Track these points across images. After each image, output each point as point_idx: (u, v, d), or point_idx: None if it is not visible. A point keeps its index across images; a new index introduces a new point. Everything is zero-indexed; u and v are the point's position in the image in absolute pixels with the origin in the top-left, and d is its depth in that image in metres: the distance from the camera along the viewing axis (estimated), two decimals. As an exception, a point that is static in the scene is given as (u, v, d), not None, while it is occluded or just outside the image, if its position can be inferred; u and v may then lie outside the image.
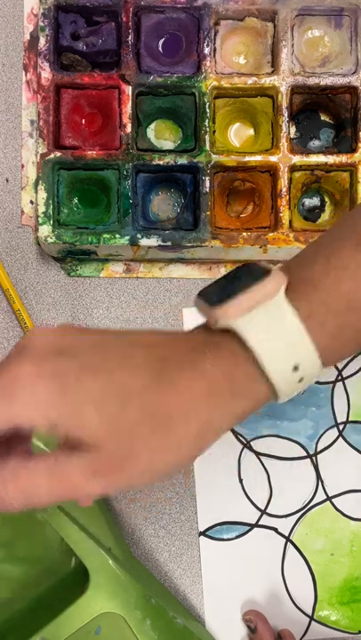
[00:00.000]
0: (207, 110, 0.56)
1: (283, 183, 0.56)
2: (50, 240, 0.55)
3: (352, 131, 0.57)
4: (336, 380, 0.59)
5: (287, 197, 0.56)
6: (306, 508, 0.59)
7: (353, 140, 0.57)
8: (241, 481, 0.59)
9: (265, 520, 0.59)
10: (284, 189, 0.56)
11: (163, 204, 0.59)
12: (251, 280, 0.37)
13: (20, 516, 0.55)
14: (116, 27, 0.57)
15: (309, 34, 0.58)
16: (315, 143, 0.59)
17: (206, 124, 0.56)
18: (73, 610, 0.52)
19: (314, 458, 0.59)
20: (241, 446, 0.59)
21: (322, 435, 0.59)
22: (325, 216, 0.59)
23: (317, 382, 0.59)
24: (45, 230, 0.55)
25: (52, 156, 0.56)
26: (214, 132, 0.58)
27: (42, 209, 0.55)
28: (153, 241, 0.56)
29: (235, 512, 0.58)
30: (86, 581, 0.52)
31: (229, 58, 0.58)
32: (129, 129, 0.56)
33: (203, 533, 0.58)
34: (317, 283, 0.37)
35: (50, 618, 0.52)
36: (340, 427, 0.59)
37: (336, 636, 0.58)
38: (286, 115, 0.56)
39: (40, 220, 0.55)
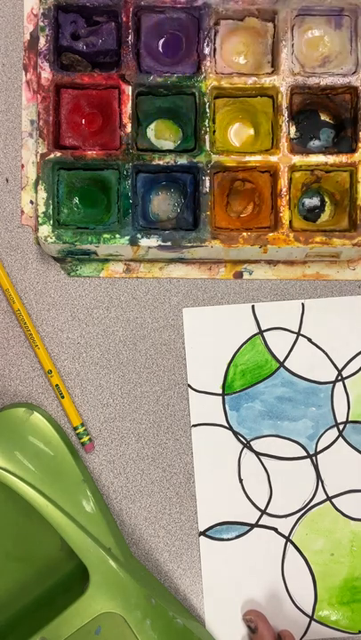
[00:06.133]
0: (207, 110, 0.56)
1: (283, 183, 0.56)
2: (50, 240, 0.55)
3: (352, 131, 0.57)
4: (336, 380, 0.59)
5: (287, 197, 0.56)
6: (306, 508, 0.59)
7: (353, 139, 0.57)
8: (241, 481, 0.59)
9: (265, 520, 0.59)
10: (284, 189, 0.56)
11: (163, 204, 0.59)
12: None
13: (19, 517, 0.56)
14: (116, 27, 0.57)
15: (309, 34, 0.58)
16: (315, 143, 0.59)
17: (206, 123, 0.56)
18: (73, 610, 0.52)
19: (314, 458, 0.59)
20: (241, 446, 0.59)
21: (322, 435, 0.59)
22: (325, 216, 0.59)
23: (317, 382, 0.59)
24: (45, 230, 0.55)
25: (51, 156, 0.56)
26: (214, 131, 0.58)
27: (42, 209, 0.55)
28: (153, 241, 0.56)
29: (235, 512, 0.58)
30: (86, 581, 0.52)
31: (229, 58, 0.58)
32: (129, 129, 0.56)
33: (203, 533, 0.58)
34: None
35: (50, 618, 0.52)
36: (340, 427, 0.59)
37: (336, 635, 0.58)
38: (286, 115, 0.56)
39: (40, 220, 0.55)
